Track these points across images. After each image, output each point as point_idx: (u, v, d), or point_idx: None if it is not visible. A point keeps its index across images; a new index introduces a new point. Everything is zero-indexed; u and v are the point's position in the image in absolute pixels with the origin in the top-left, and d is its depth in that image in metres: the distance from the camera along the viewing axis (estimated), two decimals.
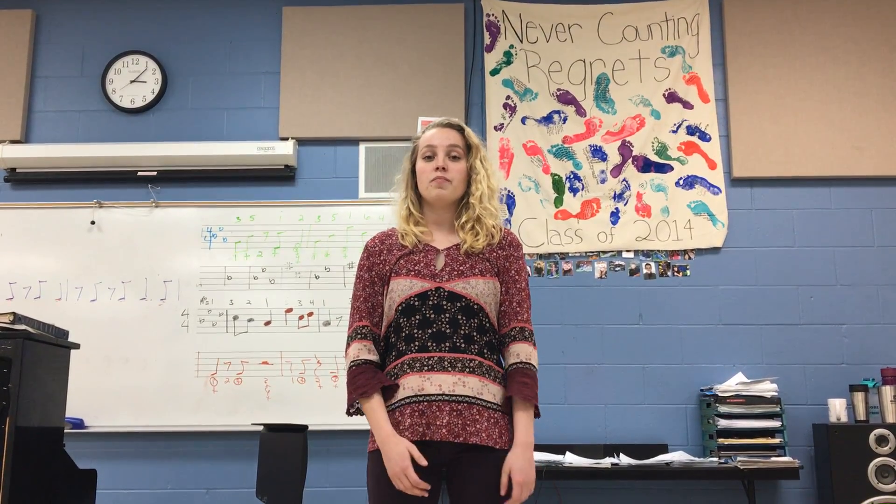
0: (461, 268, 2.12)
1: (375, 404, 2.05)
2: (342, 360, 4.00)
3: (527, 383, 2.07)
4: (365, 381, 2.07)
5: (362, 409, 2.11)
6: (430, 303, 2.08)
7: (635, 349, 4.06)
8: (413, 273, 2.12)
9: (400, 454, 1.98)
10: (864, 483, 3.54)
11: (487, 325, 2.12)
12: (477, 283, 2.10)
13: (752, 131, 4.19)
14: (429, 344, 2.06)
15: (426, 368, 2.05)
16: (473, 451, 2.03)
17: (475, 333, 2.09)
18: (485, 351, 2.09)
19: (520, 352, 2.11)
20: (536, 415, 2.09)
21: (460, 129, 2.24)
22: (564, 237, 4.15)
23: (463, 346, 2.06)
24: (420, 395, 2.03)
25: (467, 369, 2.05)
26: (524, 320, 2.14)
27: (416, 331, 2.08)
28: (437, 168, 2.15)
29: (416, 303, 2.09)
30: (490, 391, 2.06)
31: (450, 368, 2.04)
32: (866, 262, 4.10)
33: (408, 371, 2.06)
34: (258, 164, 4.20)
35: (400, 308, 2.10)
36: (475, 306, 2.09)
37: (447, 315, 2.07)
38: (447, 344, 2.06)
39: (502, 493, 1.99)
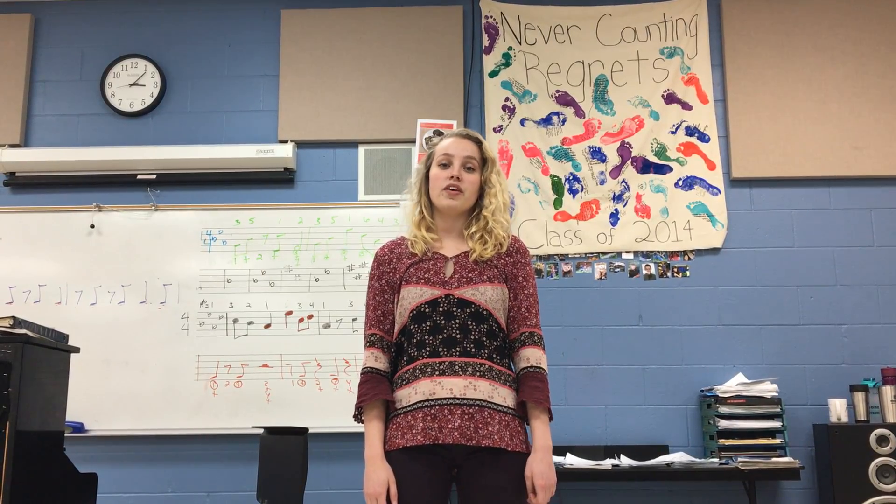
0: (470, 275, 2.15)
1: (373, 418, 2.11)
2: (342, 362, 4.02)
3: (538, 387, 2.10)
4: (365, 391, 2.12)
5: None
6: (441, 309, 2.11)
7: (635, 350, 4.06)
8: (423, 281, 2.15)
9: (380, 480, 2.03)
10: (864, 483, 3.54)
11: (497, 329, 2.15)
12: (486, 290, 2.14)
13: (751, 132, 4.19)
14: (440, 349, 2.09)
15: (437, 373, 2.08)
16: (484, 453, 2.06)
17: (485, 338, 2.12)
18: (494, 355, 2.13)
19: (530, 356, 2.14)
20: (549, 417, 2.12)
21: (478, 142, 2.27)
22: (564, 238, 4.15)
23: (473, 350, 2.10)
24: (432, 400, 2.06)
25: (478, 373, 2.08)
26: (533, 325, 2.18)
27: (427, 337, 2.11)
28: (452, 177, 2.18)
29: (427, 309, 2.12)
30: (500, 394, 2.09)
31: (461, 372, 2.07)
32: (866, 261, 4.10)
33: (420, 376, 2.09)
34: (257, 167, 4.20)
35: (411, 315, 2.13)
36: (484, 312, 2.13)
37: (457, 321, 2.11)
38: (458, 349, 2.09)
39: (529, 498, 2.04)
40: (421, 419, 2.04)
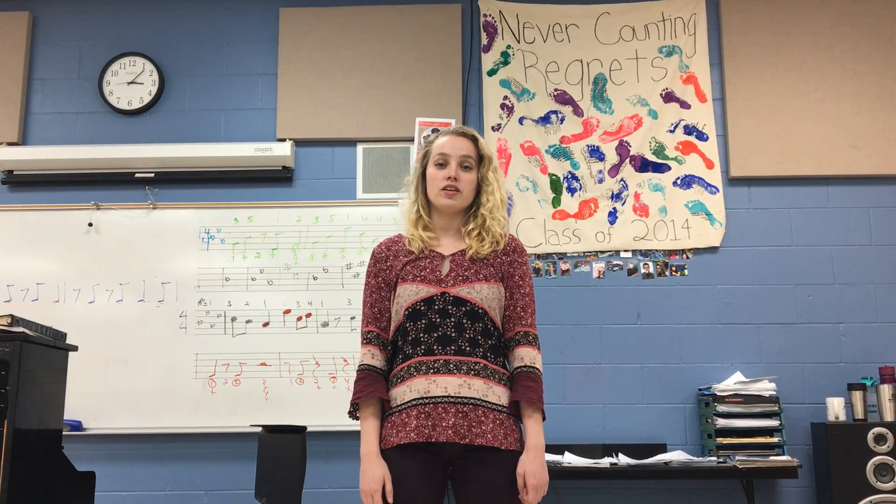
0: (466, 273, 2.15)
1: (369, 415, 2.11)
2: (340, 361, 4.02)
3: (531, 387, 2.10)
4: (361, 388, 2.12)
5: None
6: (436, 307, 2.11)
7: (633, 349, 4.06)
8: (419, 279, 2.14)
9: (375, 477, 2.03)
10: (862, 482, 3.54)
11: (492, 328, 2.14)
12: (481, 288, 2.13)
13: (750, 131, 4.20)
14: (434, 347, 2.09)
15: (432, 371, 2.07)
16: (479, 451, 2.06)
17: (480, 337, 2.11)
18: (489, 354, 2.12)
19: (524, 356, 2.14)
20: (542, 417, 2.12)
21: (474, 140, 2.26)
22: (562, 237, 4.15)
23: (468, 349, 2.09)
24: (426, 398, 2.05)
25: (472, 372, 2.08)
26: (528, 325, 2.17)
27: (422, 335, 2.11)
28: (449, 178, 2.18)
29: (423, 307, 2.12)
30: (495, 393, 2.09)
31: (455, 371, 2.07)
32: (864, 260, 4.10)
33: (414, 374, 2.09)
34: (256, 166, 4.20)
35: (406, 312, 2.13)
36: (479, 310, 2.12)
37: (452, 319, 2.10)
38: (452, 347, 2.09)
39: (521, 496, 2.03)
40: (415, 417, 2.04)
